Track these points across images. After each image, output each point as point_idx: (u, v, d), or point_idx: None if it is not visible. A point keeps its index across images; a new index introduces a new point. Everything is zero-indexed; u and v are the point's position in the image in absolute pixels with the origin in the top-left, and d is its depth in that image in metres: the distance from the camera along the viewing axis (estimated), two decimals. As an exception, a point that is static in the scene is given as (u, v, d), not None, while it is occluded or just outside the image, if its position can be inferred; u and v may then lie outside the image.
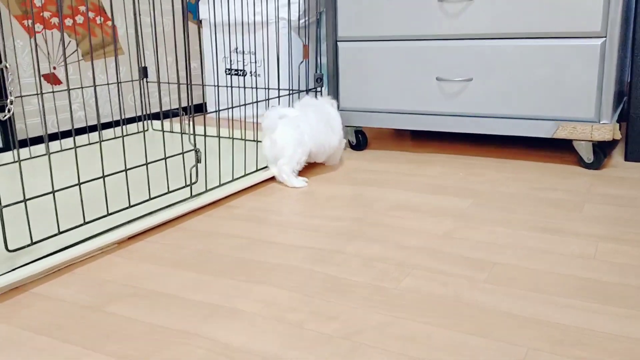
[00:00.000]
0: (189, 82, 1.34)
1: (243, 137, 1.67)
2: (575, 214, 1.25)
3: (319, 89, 1.99)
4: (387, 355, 0.76)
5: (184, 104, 2.55)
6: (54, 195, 1.09)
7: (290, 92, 1.92)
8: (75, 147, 1.11)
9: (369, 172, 1.62)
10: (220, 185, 1.45)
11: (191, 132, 1.35)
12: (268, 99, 1.72)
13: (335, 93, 1.86)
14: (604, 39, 1.48)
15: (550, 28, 1.53)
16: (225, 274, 1.01)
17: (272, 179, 1.57)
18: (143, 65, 2.24)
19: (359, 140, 1.89)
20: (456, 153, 1.81)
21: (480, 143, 1.93)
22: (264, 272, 1.01)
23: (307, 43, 2.25)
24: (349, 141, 1.90)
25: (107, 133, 2.12)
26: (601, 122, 1.52)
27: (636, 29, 1.58)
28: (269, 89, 1.80)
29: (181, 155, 1.38)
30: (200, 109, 2.63)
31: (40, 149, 1.87)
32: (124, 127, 2.20)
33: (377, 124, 1.81)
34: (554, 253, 1.06)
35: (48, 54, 2.03)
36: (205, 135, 1.47)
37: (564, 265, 1.01)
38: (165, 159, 1.30)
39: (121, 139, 2.01)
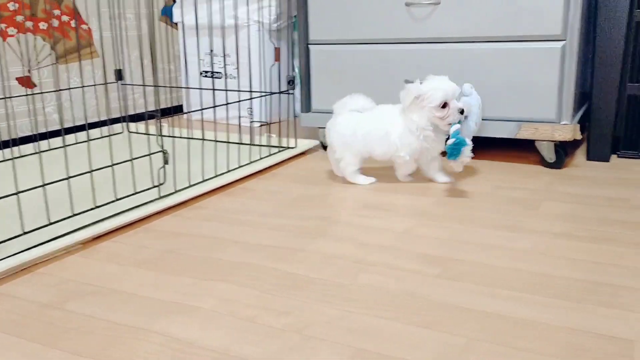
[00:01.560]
0: (156, 84, 1.36)
1: (215, 139, 1.69)
2: (533, 212, 1.28)
3: (290, 90, 2.02)
4: (334, 347, 0.78)
5: (158, 106, 2.56)
6: (17, 196, 1.11)
7: (262, 94, 1.95)
8: (40, 151, 1.12)
9: (337, 173, 1.65)
10: (190, 186, 1.46)
11: (160, 133, 1.37)
12: (240, 101, 1.74)
13: (307, 94, 1.89)
14: (564, 42, 1.52)
15: (513, 32, 1.57)
16: (185, 273, 1.03)
17: (242, 179, 1.59)
18: (118, 67, 2.26)
19: (331, 141, 1.91)
20: (425, 154, 1.84)
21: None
22: (224, 271, 1.04)
23: (279, 46, 2.27)
24: (321, 143, 1.92)
25: (83, 135, 2.13)
26: (562, 123, 1.56)
27: (596, 34, 1.62)
28: (240, 91, 1.82)
29: (149, 157, 1.40)
30: (177, 110, 2.65)
31: (11, 151, 1.88)
32: (100, 129, 2.21)
33: (348, 126, 1.83)
34: (508, 249, 1.09)
35: (22, 57, 2.04)
36: (174, 137, 1.49)
37: (516, 261, 1.04)
38: (131, 160, 1.31)
39: (97, 140, 2.02)
